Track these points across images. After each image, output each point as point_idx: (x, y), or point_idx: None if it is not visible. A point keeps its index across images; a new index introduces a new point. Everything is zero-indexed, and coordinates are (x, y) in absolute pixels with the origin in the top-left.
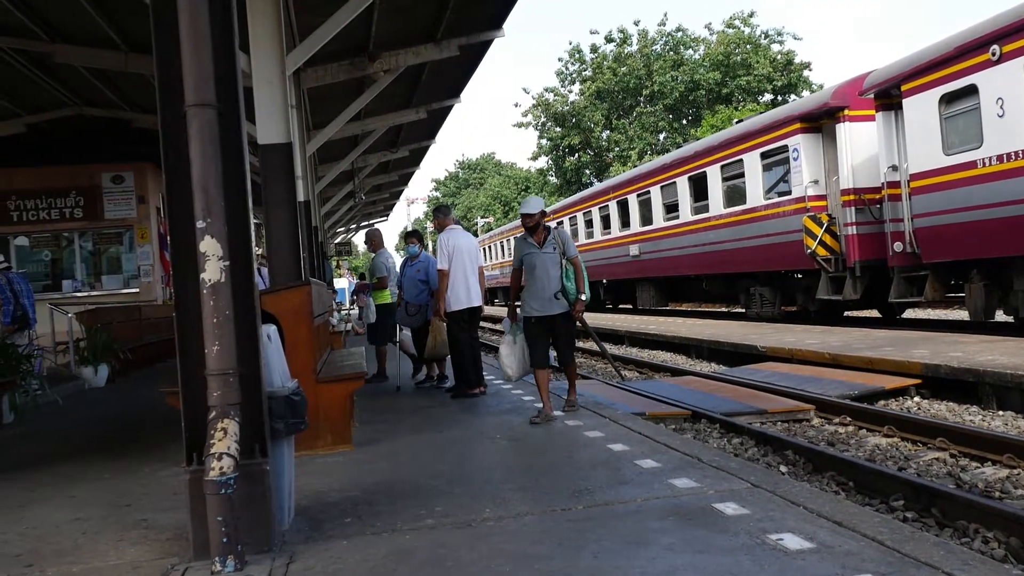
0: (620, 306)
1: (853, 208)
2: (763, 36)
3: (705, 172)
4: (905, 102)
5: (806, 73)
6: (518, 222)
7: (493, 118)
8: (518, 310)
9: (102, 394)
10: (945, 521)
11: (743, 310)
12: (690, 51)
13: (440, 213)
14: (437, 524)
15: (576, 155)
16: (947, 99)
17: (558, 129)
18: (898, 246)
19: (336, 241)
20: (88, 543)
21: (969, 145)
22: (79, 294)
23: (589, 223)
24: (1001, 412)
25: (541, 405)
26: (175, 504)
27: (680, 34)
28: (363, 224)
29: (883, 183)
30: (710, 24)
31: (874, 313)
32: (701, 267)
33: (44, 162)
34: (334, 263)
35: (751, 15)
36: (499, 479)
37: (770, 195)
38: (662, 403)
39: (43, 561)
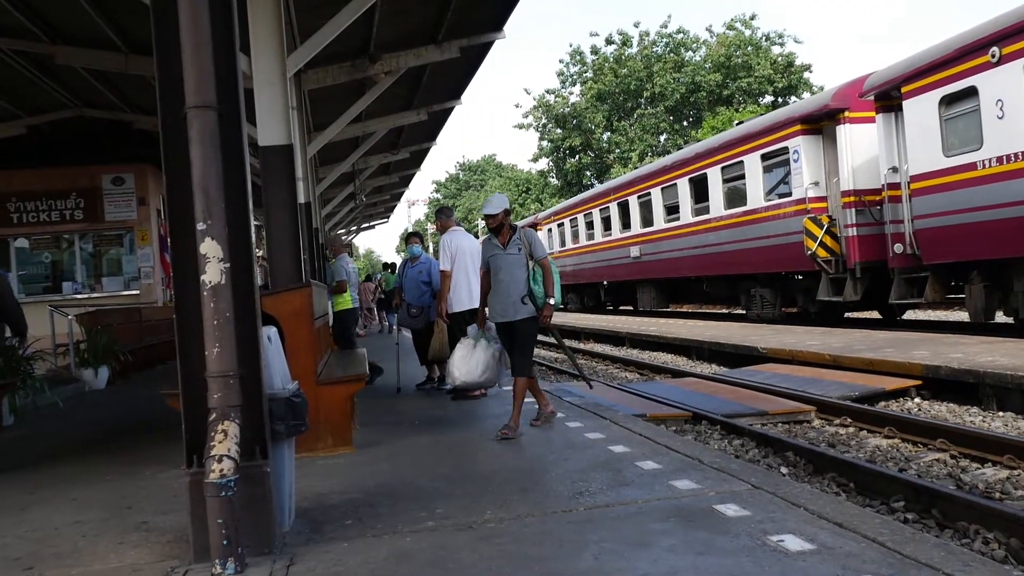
0: (621, 307)
1: (853, 210)
2: (764, 39)
3: (706, 174)
4: (905, 104)
5: (807, 75)
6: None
7: (494, 120)
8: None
9: (102, 396)
10: (946, 522)
11: (744, 311)
12: (691, 53)
13: (443, 215)
14: (438, 526)
15: (577, 157)
16: (947, 101)
17: (559, 131)
18: (898, 247)
19: None
20: (88, 546)
21: (969, 147)
22: (79, 296)
23: (590, 224)
24: (1001, 413)
25: (539, 407)
26: (175, 506)
27: (681, 36)
28: (364, 226)
29: (883, 184)
30: (711, 26)
31: (874, 314)
32: (702, 268)
33: (44, 164)
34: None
35: (752, 17)
36: (500, 481)
37: (771, 196)
38: (663, 405)
39: (43, 564)
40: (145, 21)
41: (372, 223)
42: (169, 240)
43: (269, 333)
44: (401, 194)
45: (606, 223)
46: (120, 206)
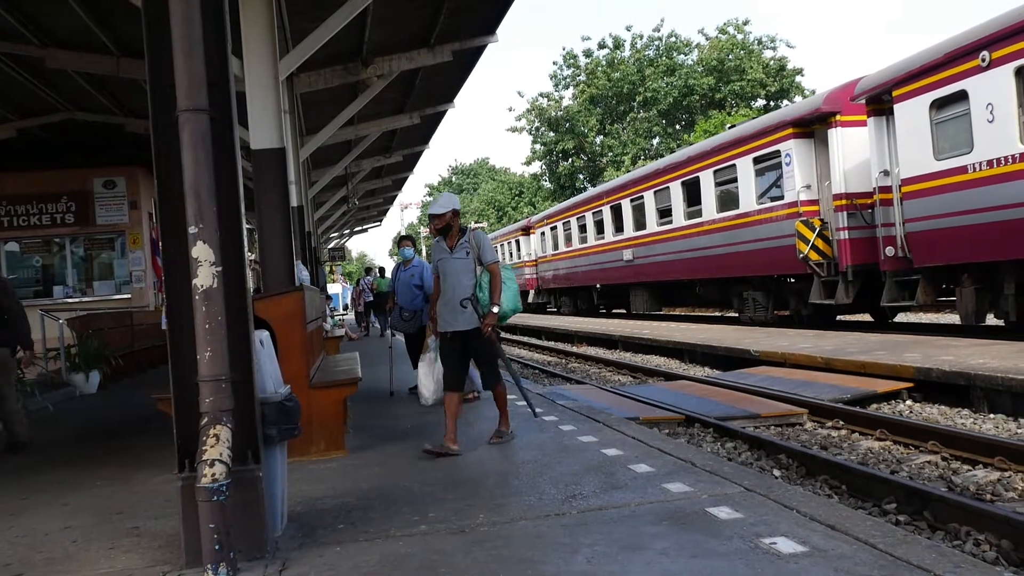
0: (614, 311)
1: (845, 213)
2: (756, 43)
3: (698, 177)
4: (896, 107)
5: (799, 79)
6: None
7: (487, 123)
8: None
9: (93, 401)
10: (937, 524)
11: (736, 314)
12: (683, 56)
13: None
14: (431, 530)
15: (570, 160)
16: (938, 104)
17: (552, 134)
18: (890, 250)
19: (329, 247)
20: (79, 551)
21: (960, 150)
22: (70, 300)
23: (583, 228)
24: (992, 415)
25: (499, 423)
26: (167, 511)
27: (673, 39)
28: (357, 229)
29: (875, 188)
30: (703, 29)
31: (866, 317)
32: (694, 272)
33: (35, 167)
34: (327, 268)
35: (745, 22)
36: (493, 484)
37: (763, 200)
38: (656, 407)
39: (33, 570)
40: (137, 24)
41: (365, 226)
42: (161, 244)
43: (261, 337)
44: (394, 197)
45: (599, 226)
46: (111, 209)
